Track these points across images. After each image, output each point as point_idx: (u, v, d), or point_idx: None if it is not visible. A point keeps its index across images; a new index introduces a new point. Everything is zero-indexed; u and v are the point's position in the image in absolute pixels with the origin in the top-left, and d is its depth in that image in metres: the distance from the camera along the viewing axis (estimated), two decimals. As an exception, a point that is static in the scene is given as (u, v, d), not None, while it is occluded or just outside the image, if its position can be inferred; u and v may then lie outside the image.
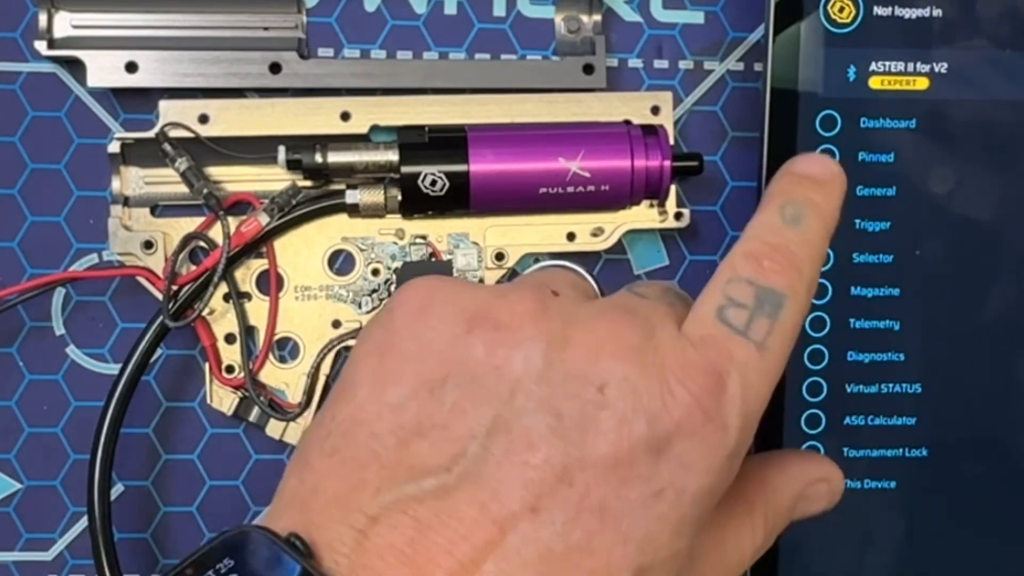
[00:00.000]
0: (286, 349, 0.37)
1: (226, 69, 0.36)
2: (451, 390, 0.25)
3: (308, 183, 0.36)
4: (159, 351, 0.37)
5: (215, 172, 0.36)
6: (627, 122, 0.37)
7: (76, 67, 0.36)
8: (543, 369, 0.25)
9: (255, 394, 0.36)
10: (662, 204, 0.37)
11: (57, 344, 0.38)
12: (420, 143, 0.36)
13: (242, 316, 0.36)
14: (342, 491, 0.24)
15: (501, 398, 0.24)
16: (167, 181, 0.36)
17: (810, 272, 0.27)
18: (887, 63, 0.36)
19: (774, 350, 0.26)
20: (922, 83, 0.36)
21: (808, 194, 0.28)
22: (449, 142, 0.36)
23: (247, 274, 0.37)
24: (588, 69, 0.37)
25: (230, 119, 0.36)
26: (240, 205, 0.36)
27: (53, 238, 0.37)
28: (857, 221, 0.36)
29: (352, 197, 0.36)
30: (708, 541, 0.27)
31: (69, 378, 0.38)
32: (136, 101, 0.37)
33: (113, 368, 0.37)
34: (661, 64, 0.39)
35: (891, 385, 0.37)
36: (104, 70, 0.36)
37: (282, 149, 0.35)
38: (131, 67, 0.36)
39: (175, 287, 0.35)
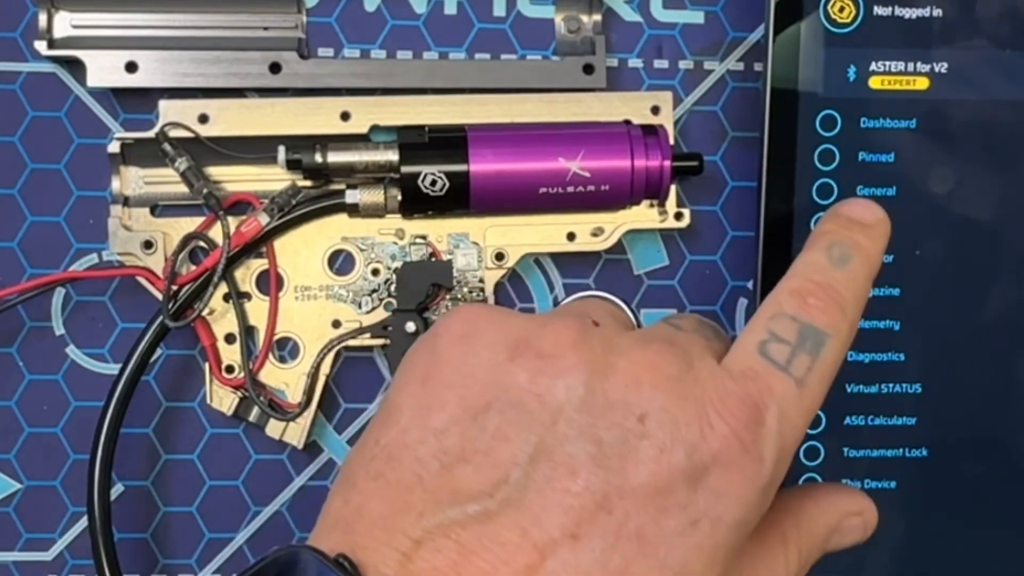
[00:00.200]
0: (286, 349, 0.37)
1: (226, 69, 0.36)
2: (494, 416, 0.25)
3: (308, 183, 0.36)
4: (159, 351, 0.37)
5: (215, 172, 0.36)
6: (627, 122, 0.37)
7: (76, 67, 0.36)
8: (585, 397, 0.25)
9: (255, 394, 0.36)
10: (662, 204, 0.37)
11: (57, 344, 0.38)
12: (420, 143, 0.36)
13: (242, 316, 0.36)
14: (387, 514, 0.24)
15: (543, 425, 0.25)
16: (167, 181, 0.36)
17: (853, 312, 0.27)
18: (887, 63, 0.36)
19: (813, 387, 0.26)
20: (922, 83, 0.36)
21: (855, 237, 0.28)
22: (449, 142, 0.36)
23: (247, 274, 0.37)
24: (588, 69, 0.37)
25: (230, 119, 0.36)
26: (240, 205, 0.36)
27: (53, 238, 0.37)
28: (857, 221, 0.36)
29: (352, 197, 0.36)
30: (742, 571, 0.27)
31: (69, 378, 0.38)
32: (136, 101, 0.37)
33: (113, 368, 0.37)
34: (661, 64, 0.39)
35: (891, 385, 0.37)
36: (104, 70, 0.36)
37: (282, 149, 0.35)
38: (131, 67, 0.36)
39: (175, 287, 0.35)
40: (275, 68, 0.36)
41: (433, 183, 0.35)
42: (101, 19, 0.36)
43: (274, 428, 0.37)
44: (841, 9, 0.36)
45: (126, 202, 0.36)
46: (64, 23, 0.36)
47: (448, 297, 0.37)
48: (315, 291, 0.37)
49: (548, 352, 0.26)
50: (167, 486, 0.38)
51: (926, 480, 0.37)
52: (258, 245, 0.36)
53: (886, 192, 0.36)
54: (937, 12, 0.36)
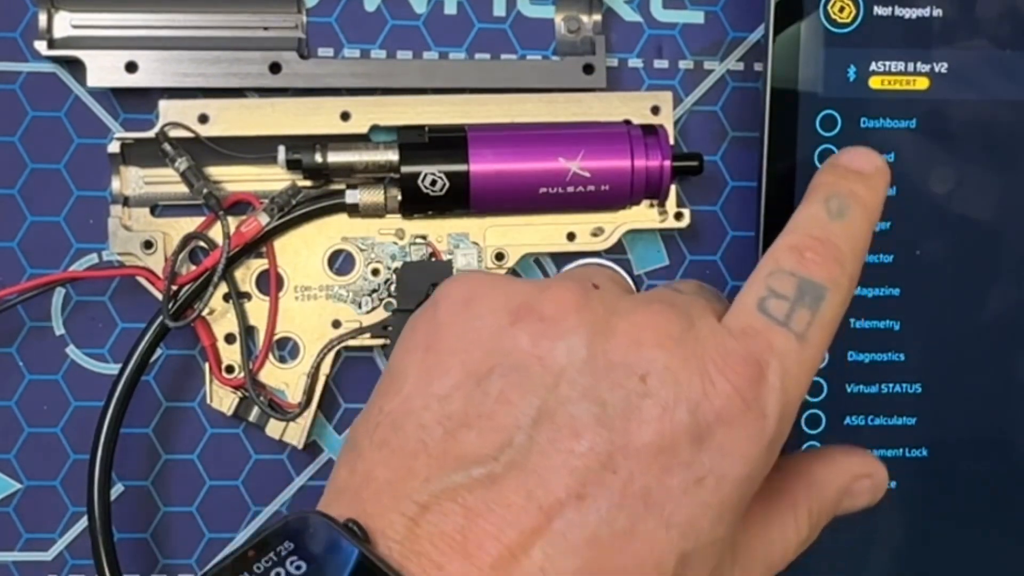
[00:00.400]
0: (286, 349, 0.37)
1: (226, 69, 0.36)
2: (496, 381, 0.25)
3: (308, 183, 0.36)
4: (159, 351, 0.37)
5: (215, 172, 0.36)
6: (627, 122, 0.37)
7: (76, 67, 0.36)
8: (587, 359, 0.25)
9: (255, 394, 0.36)
10: (662, 204, 0.37)
11: (57, 344, 0.38)
12: (420, 143, 0.36)
13: (242, 316, 0.36)
14: (393, 480, 0.24)
15: (546, 388, 0.25)
16: (167, 181, 0.36)
17: (852, 265, 0.27)
18: (887, 63, 0.36)
19: (814, 341, 0.26)
20: (922, 83, 0.36)
21: (853, 187, 0.28)
22: (449, 142, 0.36)
23: (247, 274, 0.37)
24: (588, 69, 0.37)
25: (230, 119, 0.36)
26: (240, 205, 0.36)
27: (53, 238, 0.37)
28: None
29: (352, 197, 0.36)
30: (752, 534, 0.27)
31: (69, 378, 0.38)
32: (136, 101, 0.37)
33: (113, 368, 0.37)
34: (661, 64, 0.39)
35: (891, 385, 0.37)
36: (104, 70, 0.36)
37: (282, 149, 0.35)
38: (131, 67, 0.36)
39: (175, 287, 0.35)
40: (275, 68, 0.36)
41: (433, 183, 0.35)
42: (101, 19, 0.36)
43: (274, 428, 0.37)
44: (841, 9, 0.36)
45: (126, 202, 0.36)
46: (64, 23, 0.36)
47: (448, 297, 0.37)
48: (315, 291, 0.37)
49: (549, 315, 0.26)
50: (167, 486, 0.38)
51: (926, 480, 0.37)
52: (258, 245, 0.36)
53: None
54: (937, 12, 0.36)
